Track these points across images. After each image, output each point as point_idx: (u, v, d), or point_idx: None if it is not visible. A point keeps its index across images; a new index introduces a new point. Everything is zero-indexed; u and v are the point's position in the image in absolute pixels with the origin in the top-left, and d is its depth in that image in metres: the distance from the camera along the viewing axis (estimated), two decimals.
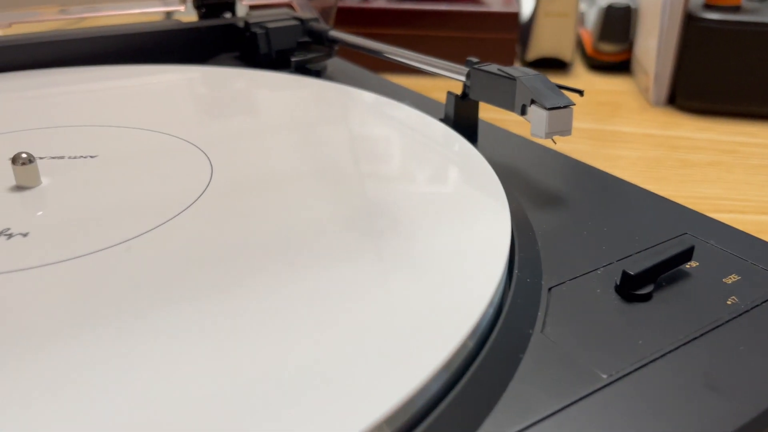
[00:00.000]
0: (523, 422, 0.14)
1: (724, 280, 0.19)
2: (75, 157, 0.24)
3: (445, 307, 0.16)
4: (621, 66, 0.60)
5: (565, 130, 0.23)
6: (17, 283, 0.17)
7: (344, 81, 0.37)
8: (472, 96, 0.27)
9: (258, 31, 0.37)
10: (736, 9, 0.49)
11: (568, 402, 0.15)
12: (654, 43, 0.51)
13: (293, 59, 0.35)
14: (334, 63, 0.39)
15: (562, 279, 0.19)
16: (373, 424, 0.12)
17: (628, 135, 0.47)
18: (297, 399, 0.13)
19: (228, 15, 0.42)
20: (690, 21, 0.49)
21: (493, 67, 0.26)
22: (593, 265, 0.20)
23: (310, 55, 0.35)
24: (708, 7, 0.50)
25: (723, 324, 0.18)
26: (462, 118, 0.29)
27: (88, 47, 0.36)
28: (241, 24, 0.39)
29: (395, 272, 0.17)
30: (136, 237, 0.19)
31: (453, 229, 0.20)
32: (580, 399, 0.15)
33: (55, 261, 0.18)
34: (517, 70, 0.25)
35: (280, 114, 0.29)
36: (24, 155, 0.22)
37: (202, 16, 0.41)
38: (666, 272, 0.19)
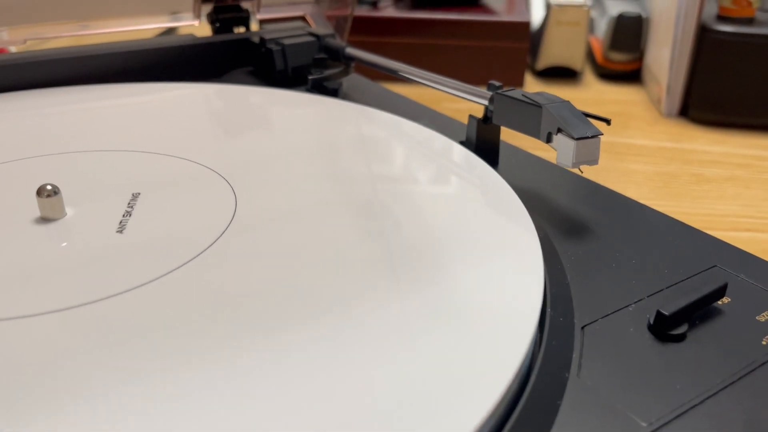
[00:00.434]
0: None
1: (757, 317, 0.19)
2: (96, 187, 0.24)
3: (484, 357, 0.16)
4: (631, 75, 0.60)
5: (592, 160, 0.23)
6: (35, 328, 0.17)
7: (361, 99, 0.36)
8: (495, 121, 0.27)
9: (274, 47, 0.37)
10: (750, 21, 0.49)
11: None
12: (667, 54, 0.51)
13: (311, 77, 0.35)
14: (349, 78, 0.39)
15: (594, 317, 0.19)
16: None
17: (642, 148, 0.47)
18: None
19: (242, 29, 0.41)
20: (703, 33, 0.49)
21: (518, 93, 0.26)
22: (624, 301, 0.20)
23: (327, 73, 0.35)
24: (721, 18, 0.49)
25: (760, 366, 0.17)
26: (484, 142, 0.28)
27: (104, 63, 0.36)
28: (256, 39, 0.39)
29: (432, 322, 0.17)
30: (164, 275, 0.19)
31: (486, 272, 0.19)
32: None
33: (87, 302, 0.17)
34: (542, 96, 0.25)
35: (301, 138, 0.29)
36: (49, 187, 0.21)
37: (216, 31, 0.41)
38: (699, 310, 0.19)
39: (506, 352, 0.16)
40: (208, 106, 0.33)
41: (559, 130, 0.23)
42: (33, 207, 0.22)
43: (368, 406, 0.14)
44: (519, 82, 0.59)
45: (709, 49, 0.49)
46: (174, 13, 0.38)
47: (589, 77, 0.62)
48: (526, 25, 0.57)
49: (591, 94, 0.58)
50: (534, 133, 0.25)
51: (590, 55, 0.64)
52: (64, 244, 0.21)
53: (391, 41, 0.59)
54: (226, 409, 0.14)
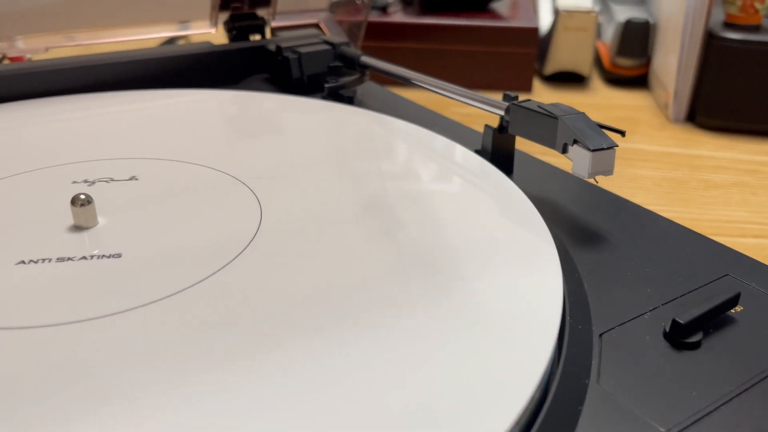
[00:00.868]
0: None
1: None
2: (125, 196, 0.25)
3: (509, 365, 0.17)
4: (638, 80, 0.61)
5: (607, 170, 0.24)
6: (82, 334, 0.17)
7: (375, 106, 0.37)
8: (511, 131, 0.28)
9: (290, 55, 0.37)
10: (757, 28, 0.49)
11: None
12: (674, 60, 0.52)
13: (327, 85, 0.35)
14: (362, 85, 0.39)
15: (610, 324, 0.20)
16: None
17: (649, 153, 0.47)
18: None
19: (257, 37, 0.42)
20: (710, 39, 0.50)
21: (533, 104, 0.26)
22: (640, 309, 0.21)
23: (343, 81, 0.36)
24: (728, 26, 0.50)
25: None
26: (499, 151, 0.29)
27: (124, 71, 0.37)
28: (272, 47, 0.40)
29: (454, 331, 0.18)
30: (194, 284, 0.19)
31: (507, 280, 0.20)
32: None
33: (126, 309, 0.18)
34: (557, 107, 0.26)
35: (323, 146, 0.30)
36: (83, 196, 0.22)
37: (232, 39, 0.42)
38: (714, 319, 0.20)
39: (530, 360, 0.17)
40: (228, 114, 0.34)
41: (575, 142, 0.24)
42: (67, 215, 0.23)
43: (393, 413, 0.15)
44: (527, 87, 0.59)
45: (715, 56, 0.50)
46: (191, 21, 0.39)
47: (597, 82, 0.62)
48: (534, 30, 0.58)
49: (598, 99, 0.58)
50: (550, 143, 0.26)
51: (597, 61, 0.64)
52: (96, 251, 0.21)
53: (400, 46, 0.59)
54: (265, 407, 0.15)
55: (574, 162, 0.24)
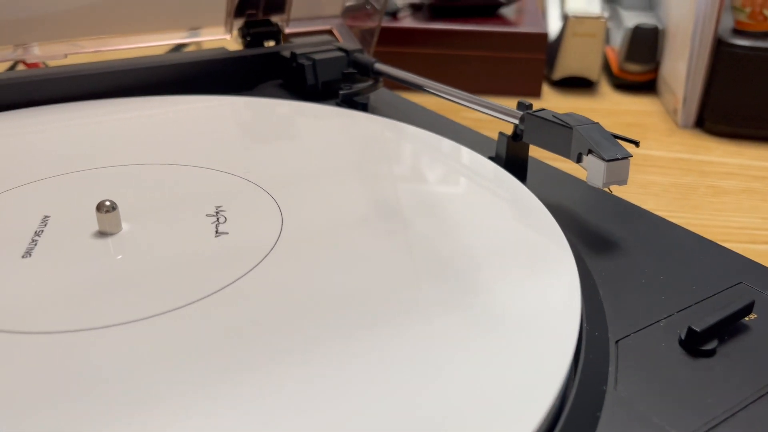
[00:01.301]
0: None
1: None
2: (147, 202, 0.25)
3: (530, 371, 0.17)
4: (646, 86, 0.61)
5: (622, 180, 0.24)
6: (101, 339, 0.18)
7: (388, 112, 0.38)
8: (525, 139, 0.28)
9: (305, 62, 0.38)
10: (765, 35, 0.50)
11: None
12: (683, 66, 0.52)
13: (342, 92, 0.36)
14: (375, 92, 0.40)
15: (626, 331, 0.20)
16: None
17: (658, 159, 0.48)
18: None
19: (272, 43, 0.43)
20: (720, 46, 0.50)
21: (548, 114, 0.27)
22: (655, 317, 0.21)
23: (357, 87, 0.36)
24: (737, 32, 0.50)
25: None
26: (513, 158, 0.29)
27: (141, 77, 0.37)
28: (286, 53, 0.40)
29: (473, 337, 0.18)
30: (218, 291, 0.20)
31: (525, 287, 0.20)
32: None
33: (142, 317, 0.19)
34: (572, 117, 0.26)
35: (339, 152, 0.30)
36: (108, 203, 0.23)
37: (246, 45, 0.42)
38: (728, 327, 0.20)
39: (550, 366, 0.17)
40: (245, 120, 0.34)
41: (590, 152, 0.24)
42: (92, 221, 0.23)
43: (412, 420, 0.15)
44: (536, 93, 0.60)
45: (724, 63, 0.50)
46: (207, 28, 0.40)
47: (605, 88, 0.63)
48: (543, 36, 0.58)
49: (607, 105, 0.59)
50: (564, 152, 0.26)
51: (606, 66, 0.65)
52: (120, 257, 0.22)
53: (410, 51, 0.60)
54: (291, 413, 0.15)
55: (588, 172, 0.25)
